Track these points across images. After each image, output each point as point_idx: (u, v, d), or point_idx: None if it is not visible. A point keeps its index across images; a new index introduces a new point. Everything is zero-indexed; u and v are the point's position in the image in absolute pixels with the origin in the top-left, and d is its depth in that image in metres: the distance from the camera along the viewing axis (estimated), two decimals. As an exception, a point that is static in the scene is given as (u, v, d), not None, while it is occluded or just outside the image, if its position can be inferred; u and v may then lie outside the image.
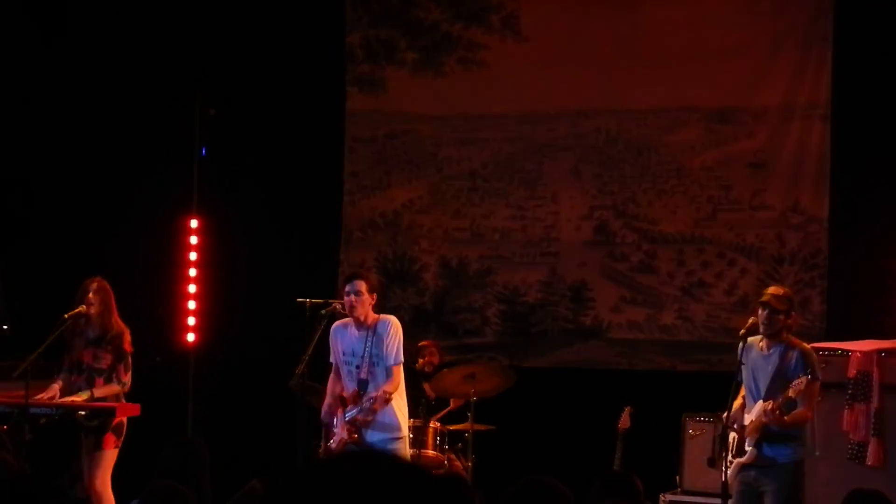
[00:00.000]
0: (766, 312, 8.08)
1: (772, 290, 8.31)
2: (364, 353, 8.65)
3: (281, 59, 12.28)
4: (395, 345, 8.68)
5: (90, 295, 9.40)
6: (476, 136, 12.24)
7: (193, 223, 12.44)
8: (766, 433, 8.04)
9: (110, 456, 9.27)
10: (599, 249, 11.87)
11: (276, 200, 12.29)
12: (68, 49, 12.24)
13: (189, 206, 12.43)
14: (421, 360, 11.02)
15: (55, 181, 12.26)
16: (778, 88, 11.31)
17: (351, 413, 8.66)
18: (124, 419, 9.38)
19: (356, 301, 8.60)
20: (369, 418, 8.61)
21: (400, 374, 8.73)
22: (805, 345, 8.23)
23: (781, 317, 8.08)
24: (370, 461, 2.20)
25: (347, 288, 8.69)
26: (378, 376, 8.65)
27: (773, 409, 7.91)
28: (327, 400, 8.87)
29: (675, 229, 11.66)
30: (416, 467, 2.23)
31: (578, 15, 11.92)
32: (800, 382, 7.88)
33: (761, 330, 8.12)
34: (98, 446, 9.20)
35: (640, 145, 11.80)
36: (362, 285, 8.65)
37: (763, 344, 8.16)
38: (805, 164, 11.25)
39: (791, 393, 7.89)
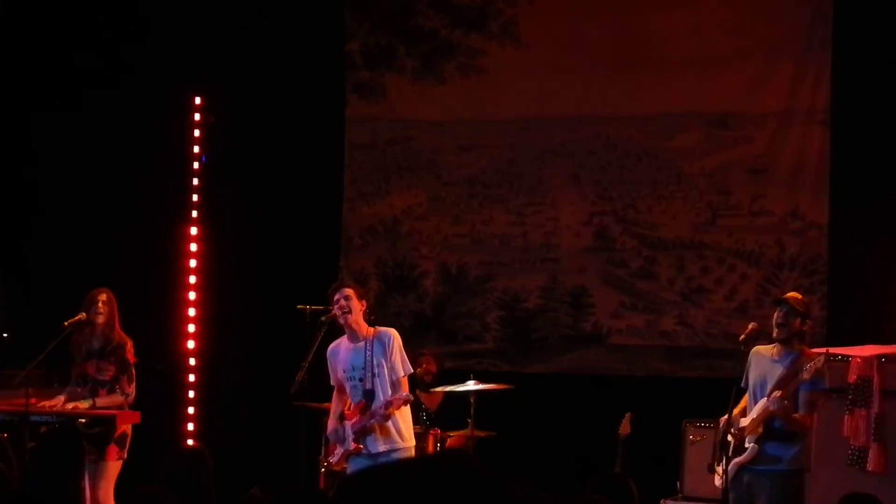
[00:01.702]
0: (783, 312, 8.04)
1: (792, 293, 8.32)
2: (365, 365, 8.62)
3: (280, 66, 12.28)
4: (400, 357, 8.67)
5: (99, 305, 9.42)
6: (475, 142, 12.25)
7: (193, 230, 12.46)
8: (767, 430, 8.00)
9: (113, 468, 9.25)
10: (599, 255, 11.88)
11: (275, 207, 12.29)
12: (69, 56, 12.24)
13: (188, 213, 12.43)
14: (419, 369, 11.00)
15: (56, 189, 12.26)
16: (778, 94, 11.32)
17: (357, 426, 8.61)
18: (128, 430, 9.36)
19: (347, 306, 8.60)
20: (383, 422, 8.59)
21: (407, 385, 8.73)
22: (818, 355, 8.14)
23: (798, 320, 8.06)
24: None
25: (337, 296, 8.66)
26: (382, 387, 8.63)
27: (781, 397, 7.87)
28: (331, 422, 8.86)
29: (675, 235, 11.66)
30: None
31: (578, 21, 11.93)
32: (817, 361, 7.85)
33: (775, 333, 8.07)
34: (101, 457, 9.18)
35: (640, 151, 11.80)
36: (351, 292, 8.67)
37: (775, 350, 8.13)
38: (805, 169, 11.26)
39: (805, 375, 7.86)
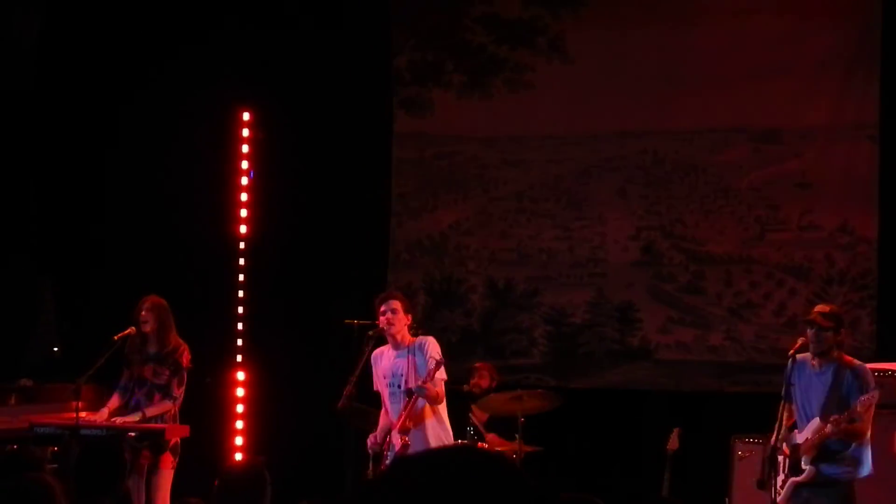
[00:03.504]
0: (812, 331, 8.05)
1: (818, 308, 8.26)
2: (406, 370, 8.73)
3: (328, 81, 12.34)
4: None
5: (143, 313, 9.55)
6: (522, 157, 12.25)
7: (241, 245, 12.51)
8: (824, 451, 8.00)
9: (168, 476, 9.47)
10: (646, 270, 11.85)
11: (323, 222, 12.34)
12: (118, 78, 12.34)
13: (237, 228, 12.48)
14: (471, 382, 10.97)
15: (105, 205, 12.35)
16: (825, 108, 11.26)
17: (404, 416, 8.69)
18: (179, 440, 9.53)
19: (393, 318, 8.72)
20: (431, 400, 8.66)
21: (443, 386, 8.79)
22: (857, 362, 8.20)
23: (829, 334, 8.03)
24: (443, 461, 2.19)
25: (383, 307, 8.79)
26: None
27: (837, 421, 7.86)
28: (375, 434, 8.93)
29: (723, 250, 11.62)
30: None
31: (624, 36, 11.91)
32: (871, 397, 7.84)
33: (811, 349, 8.08)
34: (156, 466, 9.41)
35: (687, 166, 11.77)
36: (398, 304, 8.81)
37: (815, 362, 8.11)
38: (853, 184, 11.19)
39: (859, 408, 7.84)
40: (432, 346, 8.83)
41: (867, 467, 8.13)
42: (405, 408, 8.72)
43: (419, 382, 8.63)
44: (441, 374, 8.79)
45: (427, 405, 8.77)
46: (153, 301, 9.65)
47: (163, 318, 9.63)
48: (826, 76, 11.26)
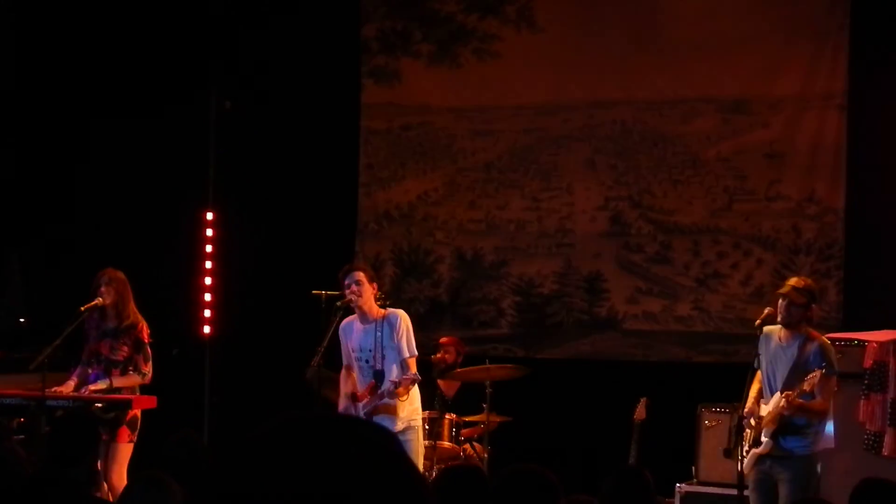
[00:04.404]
0: (784, 303, 8.08)
1: (793, 281, 8.30)
2: (374, 346, 8.70)
3: (296, 51, 12.29)
4: (407, 338, 8.73)
5: (102, 287, 9.39)
6: (491, 127, 12.23)
7: (209, 216, 12.47)
8: (783, 425, 8.04)
9: (125, 450, 9.20)
10: (615, 240, 11.86)
11: (291, 192, 12.30)
12: (83, 43, 12.27)
13: (205, 198, 12.45)
14: (436, 356, 11.00)
15: (72, 175, 12.29)
16: (794, 78, 11.27)
17: (368, 407, 8.69)
18: (138, 413, 9.32)
19: (359, 290, 8.68)
20: (393, 401, 8.64)
21: (415, 366, 8.77)
22: (824, 338, 8.24)
23: (801, 309, 8.08)
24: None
25: (347, 281, 8.75)
26: (390, 367, 8.70)
27: (790, 398, 7.91)
28: (342, 402, 8.92)
29: (691, 220, 11.64)
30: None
31: (593, 5, 11.91)
32: (814, 376, 7.86)
33: (779, 319, 8.12)
34: (112, 439, 9.15)
35: (656, 136, 11.78)
36: (361, 276, 8.77)
37: (782, 334, 8.15)
38: (821, 154, 11.22)
39: (805, 386, 7.88)
40: (403, 329, 8.72)
41: (828, 441, 8.18)
42: (371, 391, 8.69)
43: (391, 388, 8.57)
44: (412, 350, 8.76)
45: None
46: (111, 274, 9.44)
47: (121, 291, 9.42)
48: (795, 46, 11.27)
